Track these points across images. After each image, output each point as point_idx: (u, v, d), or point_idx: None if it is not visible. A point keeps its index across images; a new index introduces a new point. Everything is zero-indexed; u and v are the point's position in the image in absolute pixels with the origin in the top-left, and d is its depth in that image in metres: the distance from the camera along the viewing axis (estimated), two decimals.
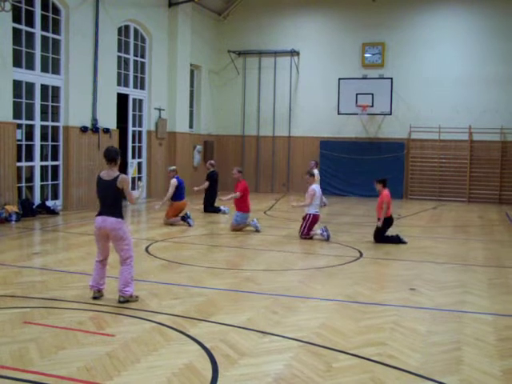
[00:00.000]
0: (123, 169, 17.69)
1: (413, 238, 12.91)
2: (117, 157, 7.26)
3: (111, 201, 7.17)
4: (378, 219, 12.23)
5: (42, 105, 15.67)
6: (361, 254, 10.83)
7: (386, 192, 12.20)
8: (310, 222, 12.48)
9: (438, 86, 22.06)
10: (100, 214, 7.23)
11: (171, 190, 14.10)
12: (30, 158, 15.41)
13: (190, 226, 13.63)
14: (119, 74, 18.77)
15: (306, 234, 12.43)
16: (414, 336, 6.18)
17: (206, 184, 16.63)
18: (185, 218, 13.86)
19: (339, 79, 22.44)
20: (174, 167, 15.00)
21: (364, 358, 5.48)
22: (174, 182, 14.18)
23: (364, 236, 13.02)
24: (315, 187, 12.70)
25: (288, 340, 5.94)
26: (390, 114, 22.13)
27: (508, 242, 12.78)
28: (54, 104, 16.16)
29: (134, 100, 19.80)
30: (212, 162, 17.48)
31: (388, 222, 12.26)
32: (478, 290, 8.27)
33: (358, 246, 11.62)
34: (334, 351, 5.64)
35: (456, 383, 4.96)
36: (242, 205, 13.53)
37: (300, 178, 23.30)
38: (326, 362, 5.37)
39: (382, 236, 12.19)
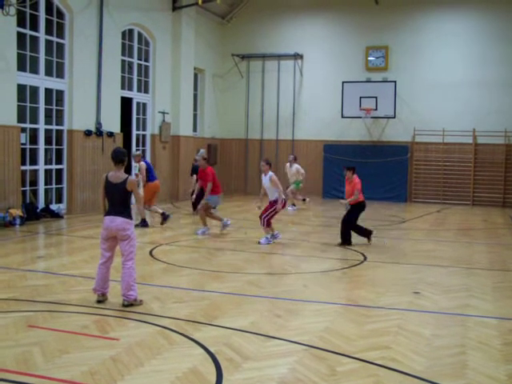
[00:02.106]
0: (128, 172, 17.67)
1: (417, 242, 12.90)
2: (124, 158, 7.35)
3: (120, 202, 7.23)
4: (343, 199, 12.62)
5: (46, 108, 15.70)
6: (365, 258, 10.81)
7: (356, 179, 12.24)
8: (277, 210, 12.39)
9: (441, 89, 22.04)
10: (109, 213, 7.27)
11: (144, 173, 14.30)
12: (34, 161, 15.44)
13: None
14: (123, 78, 18.80)
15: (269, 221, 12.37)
16: (418, 340, 6.16)
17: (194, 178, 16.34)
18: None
19: (343, 82, 22.44)
20: (138, 152, 15.24)
21: (368, 361, 5.47)
22: (143, 164, 14.43)
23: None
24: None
25: (292, 344, 5.93)
26: (394, 117, 22.12)
27: None
28: (58, 108, 16.19)
29: (138, 104, 19.83)
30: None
31: (360, 207, 12.33)
32: (483, 294, 8.25)
33: (361, 250, 11.60)
34: (338, 355, 5.63)
35: None
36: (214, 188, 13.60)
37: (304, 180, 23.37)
38: (330, 365, 5.36)
39: (352, 222, 12.24)
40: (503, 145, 21.53)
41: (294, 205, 18.97)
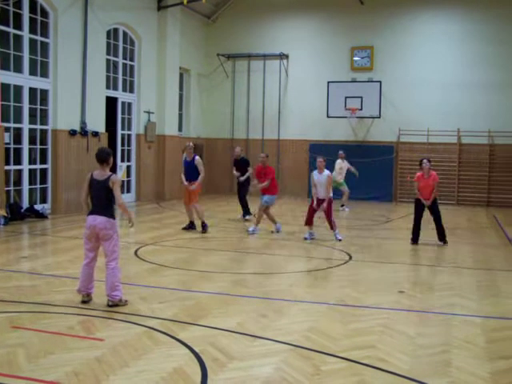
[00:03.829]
0: (113, 172, 17.59)
1: (402, 241, 12.95)
2: (108, 157, 7.29)
3: (103, 201, 7.19)
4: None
5: (30, 108, 15.58)
6: (350, 257, 10.85)
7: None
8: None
9: (426, 89, 22.17)
10: (92, 213, 7.22)
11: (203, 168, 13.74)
12: (18, 161, 15.32)
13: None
14: (108, 77, 18.72)
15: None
16: (403, 339, 6.20)
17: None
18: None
19: (328, 82, 22.49)
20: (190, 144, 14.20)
21: (353, 361, 5.49)
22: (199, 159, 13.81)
23: (353, 239, 13.07)
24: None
25: (277, 343, 5.94)
26: (379, 117, 22.21)
27: (497, 245, 12.84)
28: (43, 107, 16.09)
29: (123, 103, 19.75)
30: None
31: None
32: (467, 293, 8.31)
33: (347, 249, 11.64)
34: (323, 354, 5.65)
35: None
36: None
37: (290, 180, 23.39)
38: (315, 365, 5.37)
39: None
40: (487, 145, 21.68)
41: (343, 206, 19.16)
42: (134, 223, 7.55)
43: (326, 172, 12.70)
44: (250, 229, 13.60)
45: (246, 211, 15.97)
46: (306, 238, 12.76)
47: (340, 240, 12.62)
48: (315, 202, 12.71)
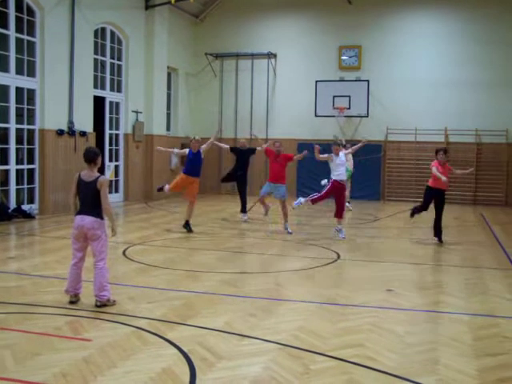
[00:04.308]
0: (101, 172, 17.54)
1: (390, 240, 13.00)
2: (96, 157, 7.22)
3: (91, 201, 7.13)
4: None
5: (17, 107, 15.48)
6: (338, 256, 10.87)
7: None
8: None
9: (414, 88, 22.26)
10: (79, 213, 7.18)
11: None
12: (5, 161, 15.22)
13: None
14: (95, 77, 18.64)
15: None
16: (391, 337, 6.22)
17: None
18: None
19: (316, 81, 22.53)
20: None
21: (342, 359, 5.49)
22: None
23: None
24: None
25: (266, 343, 5.94)
26: (367, 116, 22.27)
27: (484, 243, 12.92)
28: (30, 107, 15.99)
29: (111, 103, 19.68)
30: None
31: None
32: (455, 291, 8.35)
33: (335, 248, 11.66)
34: (312, 353, 5.65)
35: (433, 383, 5.00)
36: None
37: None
38: (304, 364, 5.37)
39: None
40: (474, 143, 21.81)
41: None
42: (117, 233, 7.45)
43: (341, 153, 12.99)
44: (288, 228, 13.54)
45: (244, 208, 15.84)
46: (343, 237, 12.79)
47: (343, 238, 12.71)
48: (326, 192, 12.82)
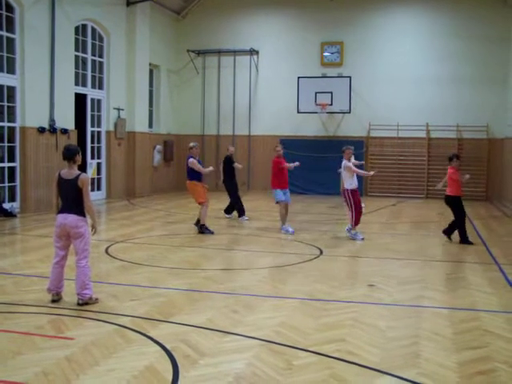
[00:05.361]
0: (83, 170, 17.45)
1: (373, 235, 13.06)
2: (75, 155, 7.15)
3: (73, 199, 7.09)
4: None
5: None
6: (321, 252, 10.91)
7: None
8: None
9: (395, 85, 22.39)
10: (61, 211, 7.14)
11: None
12: None
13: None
14: (77, 74, 18.52)
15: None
16: (373, 332, 6.26)
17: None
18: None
19: (298, 78, 22.57)
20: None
21: (324, 354, 5.53)
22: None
23: (324, 234, 13.15)
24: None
25: (248, 339, 5.96)
26: (349, 113, 22.35)
27: None
28: (10, 104, 15.86)
29: (93, 100, 19.57)
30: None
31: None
32: (436, 285, 8.43)
33: (317, 244, 11.71)
34: (295, 349, 5.68)
35: (414, 377, 5.04)
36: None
37: (260, 176, 23.38)
38: (287, 359, 5.40)
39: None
40: (455, 139, 21.97)
41: None
42: (98, 231, 7.42)
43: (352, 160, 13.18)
44: (290, 230, 13.19)
45: (242, 211, 15.44)
46: (362, 238, 12.49)
47: (362, 239, 12.47)
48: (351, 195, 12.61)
